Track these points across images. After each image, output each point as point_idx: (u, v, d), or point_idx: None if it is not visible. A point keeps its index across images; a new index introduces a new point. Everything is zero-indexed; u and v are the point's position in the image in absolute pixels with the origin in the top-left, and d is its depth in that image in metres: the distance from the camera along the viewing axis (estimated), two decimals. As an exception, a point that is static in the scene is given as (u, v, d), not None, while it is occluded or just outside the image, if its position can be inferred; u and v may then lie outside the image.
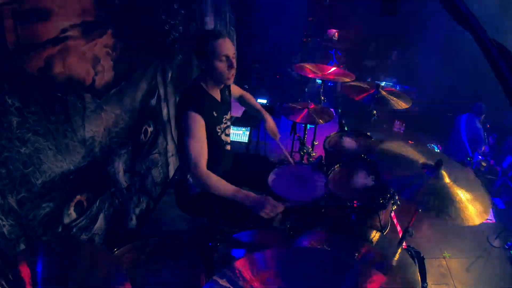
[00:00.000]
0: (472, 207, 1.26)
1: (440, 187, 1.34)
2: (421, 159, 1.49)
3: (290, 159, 2.19)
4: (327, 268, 0.80)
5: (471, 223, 1.21)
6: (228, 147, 2.07)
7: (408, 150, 1.56)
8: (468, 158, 4.14)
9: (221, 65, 1.75)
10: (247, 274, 0.76)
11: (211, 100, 1.87)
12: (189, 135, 1.70)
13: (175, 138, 3.22)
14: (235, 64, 1.78)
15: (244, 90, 2.37)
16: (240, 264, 0.79)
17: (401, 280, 1.37)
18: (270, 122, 2.28)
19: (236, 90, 2.25)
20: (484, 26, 0.53)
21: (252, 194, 1.62)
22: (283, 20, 5.67)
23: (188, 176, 1.94)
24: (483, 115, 4.23)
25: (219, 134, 1.93)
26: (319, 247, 1.46)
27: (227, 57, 1.74)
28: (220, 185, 1.66)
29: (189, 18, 3.39)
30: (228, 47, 1.74)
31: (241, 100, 2.33)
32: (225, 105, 2.00)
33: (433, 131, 5.36)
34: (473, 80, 4.92)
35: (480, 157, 4.27)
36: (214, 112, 1.85)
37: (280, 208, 1.60)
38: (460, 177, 1.41)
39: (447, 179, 1.37)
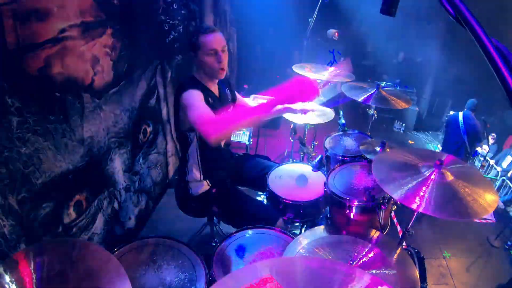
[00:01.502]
0: (480, 199, 1.27)
1: (444, 186, 1.34)
2: (420, 162, 1.49)
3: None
4: (326, 276, 0.80)
5: (483, 215, 1.21)
6: (222, 144, 2.05)
7: (405, 156, 1.56)
8: (467, 155, 4.16)
9: (210, 59, 1.75)
10: (245, 281, 0.76)
11: (206, 90, 1.86)
12: (193, 108, 1.64)
13: (175, 138, 3.22)
14: (223, 59, 1.77)
15: (244, 90, 2.36)
16: (237, 273, 0.79)
17: (400, 280, 1.36)
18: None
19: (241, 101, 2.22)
20: (483, 26, 0.53)
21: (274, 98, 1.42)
22: (283, 20, 5.66)
23: (187, 177, 1.93)
24: (476, 111, 4.26)
25: None
26: (318, 247, 1.46)
27: (216, 52, 1.74)
28: (234, 115, 1.54)
29: (189, 18, 3.38)
30: (216, 41, 1.74)
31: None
32: (223, 101, 1.98)
33: (433, 131, 5.36)
34: (473, 80, 4.92)
35: (480, 153, 4.30)
36: (209, 99, 1.82)
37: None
38: (462, 173, 1.41)
39: (449, 177, 1.37)
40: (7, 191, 1.38)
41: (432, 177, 1.38)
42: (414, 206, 1.28)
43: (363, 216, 1.83)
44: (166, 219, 2.88)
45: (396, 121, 5.53)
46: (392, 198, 1.86)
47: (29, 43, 1.43)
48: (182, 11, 3.18)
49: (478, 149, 4.75)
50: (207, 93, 1.84)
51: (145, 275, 1.41)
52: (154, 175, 2.91)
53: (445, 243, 3.00)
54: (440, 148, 5.01)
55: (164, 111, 3.01)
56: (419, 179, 1.39)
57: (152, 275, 1.41)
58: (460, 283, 2.64)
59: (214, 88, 1.92)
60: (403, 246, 1.65)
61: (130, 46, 2.27)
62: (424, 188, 1.34)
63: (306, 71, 2.96)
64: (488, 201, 1.27)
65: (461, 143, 4.21)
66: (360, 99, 2.40)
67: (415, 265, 1.50)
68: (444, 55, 5.53)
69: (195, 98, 1.68)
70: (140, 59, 2.47)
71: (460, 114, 4.27)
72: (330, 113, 2.66)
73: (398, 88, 5.48)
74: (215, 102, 1.88)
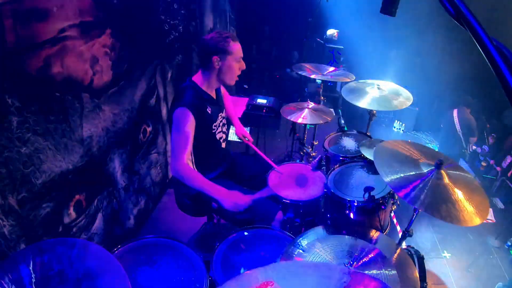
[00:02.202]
0: (471, 209, 1.27)
1: (439, 187, 1.34)
2: (421, 159, 1.49)
3: (271, 162, 2.20)
4: (329, 281, 0.80)
5: (468, 225, 1.22)
6: (223, 145, 2.07)
7: (408, 149, 1.57)
8: (463, 150, 4.24)
9: (237, 66, 1.85)
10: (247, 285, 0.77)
11: (205, 96, 1.89)
12: (176, 129, 1.76)
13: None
14: (244, 67, 1.90)
15: (244, 91, 2.39)
16: (239, 279, 0.79)
17: (400, 280, 1.36)
18: (238, 128, 2.36)
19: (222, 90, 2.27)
20: (483, 25, 0.53)
21: (223, 190, 1.68)
22: (283, 20, 5.66)
23: None
24: (471, 108, 4.41)
25: (213, 131, 1.93)
26: (318, 247, 1.46)
27: (240, 60, 1.86)
28: (195, 177, 1.71)
29: (189, 18, 3.38)
30: (241, 50, 1.87)
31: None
32: (220, 103, 2.04)
33: (433, 131, 5.36)
34: (473, 79, 4.92)
35: (474, 147, 4.40)
36: (208, 109, 1.87)
37: (245, 201, 1.66)
38: (459, 178, 1.41)
39: (446, 180, 1.37)
40: (7, 191, 1.38)
41: (430, 175, 1.40)
42: (404, 197, 1.30)
43: (363, 216, 1.83)
44: (166, 219, 2.88)
45: (396, 121, 5.52)
46: (391, 197, 1.86)
47: (29, 43, 1.43)
48: (182, 11, 3.18)
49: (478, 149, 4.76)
50: (204, 100, 1.87)
51: (145, 275, 1.41)
52: (153, 175, 2.91)
53: (445, 243, 3.00)
54: (438, 145, 5.03)
55: (164, 111, 3.01)
56: (417, 173, 1.41)
57: (152, 275, 1.41)
58: (460, 283, 2.64)
59: (212, 92, 1.95)
60: (403, 246, 1.65)
61: (130, 46, 2.27)
62: (418, 183, 1.36)
63: (306, 71, 2.97)
64: (476, 212, 1.27)
65: (456, 138, 4.36)
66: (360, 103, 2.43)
67: (415, 265, 1.50)
68: (444, 55, 5.52)
69: (182, 120, 1.75)
70: (140, 59, 2.47)
71: (455, 111, 4.42)
72: (329, 113, 2.66)
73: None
74: (213, 107, 1.92)
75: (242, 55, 1.87)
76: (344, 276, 0.80)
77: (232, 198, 1.65)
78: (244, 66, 1.90)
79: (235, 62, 1.84)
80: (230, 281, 0.78)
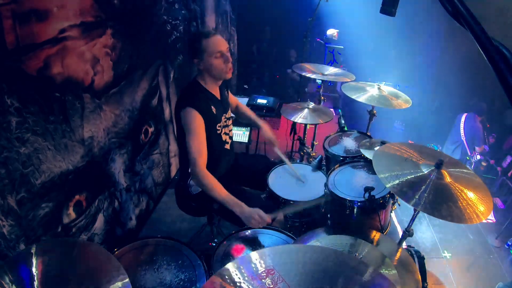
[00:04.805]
0: (475, 205, 1.26)
1: (441, 187, 1.34)
2: (421, 160, 1.49)
3: (290, 165, 2.18)
4: (326, 265, 0.80)
5: (474, 222, 1.21)
6: (227, 146, 2.07)
7: (407, 151, 1.57)
8: (467, 157, 4.15)
9: (218, 62, 1.79)
10: (247, 272, 0.76)
11: (209, 96, 1.88)
12: (188, 132, 1.73)
13: (176, 136, 3.22)
14: (230, 58, 1.82)
15: (244, 91, 2.37)
16: (240, 262, 0.79)
17: (401, 280, 1.36)
18: (267, 130, 2.26)
19: (233, 100, 2.25)
20: (484, 25, 0.53)
21: (244, 205, 1.64)
22: (282, 20, 5.67)
23: (189, 181, 1.94)
24: (484, 116, 4.25)
25: (218, 132, 1.93)
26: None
27: (222, 53, 1.78)
28: (215, 188, 1.69)
29: (190, 18, 3.39)
30: (220, 43, 1.79)
31: (236, 110, 2.32)
32: (224, 103, 2.01)
33: (433, 131, 5.35)
34: (473, 79, 4.91)
35: (479, 156, 4.28)
36: (212, 109, 1.86)
37: (267, 221, 1.62)
38: (461, 176, 1.41)
39: (448, 179, 1.37)
40: (6, 191, 1.38)
41: (431, 175, 1.39)
42: (407, 200, 1.29)
43: (364, 216, 1.83)
44: (166, 219, 2.88)
45: (396, 121, 5.52)
46: (392, 198, 1.86)
47: (29, 43, 1.42)
48: (184, 11, 3.18)
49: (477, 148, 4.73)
50: (209, 100, 1.86)
51: (145, 275, 1.41)
52: (155, 176, 2.90)
53: (445, 243, 3.00)
54: (440, 148, 5.02)
55: (166, 112, 3.00)
56: (417, 175, 1.40)
57: (152, 275, 1.41)
58: (460, 283, 2.64)
59: (216, 91, 1.95)
60: (403, 246, 1.65)
61: (131, 46, 2.27)
62: (420, 185, 1.35)
63: (306, 71, 2.96)
64: (480, 209, 1.27)
65: (458, 144, 4.23)
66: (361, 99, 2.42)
67: (416, 265, 1.50)
68: (445, 55, 5.52)
69: (193, 122, 1.73)
70: (141, 59, 2.47)
71: (464, 116, 4.28)
72: (330, 113, 2.66)
73: (398, 87, 5.47)
74: (217, 107, 1.91)
75: (221, 48, 1.77)
76: (347, 263, 0.80)
77: (253, 218, 1.60)
78: (229, 58, 1.81)
79: (214, 58, 1.77)
80: (226, 267, 0.77)
